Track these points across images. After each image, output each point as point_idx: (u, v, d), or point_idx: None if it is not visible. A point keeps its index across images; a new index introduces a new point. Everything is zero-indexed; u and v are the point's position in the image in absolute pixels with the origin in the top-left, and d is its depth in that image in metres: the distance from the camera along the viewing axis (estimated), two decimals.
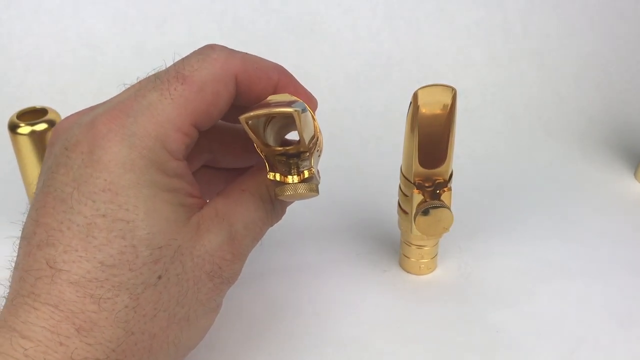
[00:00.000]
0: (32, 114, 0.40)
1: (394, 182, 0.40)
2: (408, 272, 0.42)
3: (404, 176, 0.38)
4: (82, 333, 0.26)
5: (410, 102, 0.35)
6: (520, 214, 0.46)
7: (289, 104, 0.29)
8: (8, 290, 0.29)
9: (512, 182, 0.50)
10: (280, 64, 0.33)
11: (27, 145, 0.40)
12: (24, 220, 0.30)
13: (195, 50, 0.31)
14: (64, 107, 0.45)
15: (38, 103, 0.42)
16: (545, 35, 0.62)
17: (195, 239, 0.29)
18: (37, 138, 0.40)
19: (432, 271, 0.42)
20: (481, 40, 0.62)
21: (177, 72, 0.29)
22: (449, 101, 0.35)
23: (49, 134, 0.40)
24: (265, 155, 0.30)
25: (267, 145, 0.30)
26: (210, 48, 0.31)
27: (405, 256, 0.41)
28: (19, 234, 0.45)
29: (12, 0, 0.62)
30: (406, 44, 0.62)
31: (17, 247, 0.29)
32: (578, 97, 0.59)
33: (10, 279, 0.29)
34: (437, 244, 0.41)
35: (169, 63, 0.31)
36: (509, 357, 0.36)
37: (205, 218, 0.30)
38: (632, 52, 0.61)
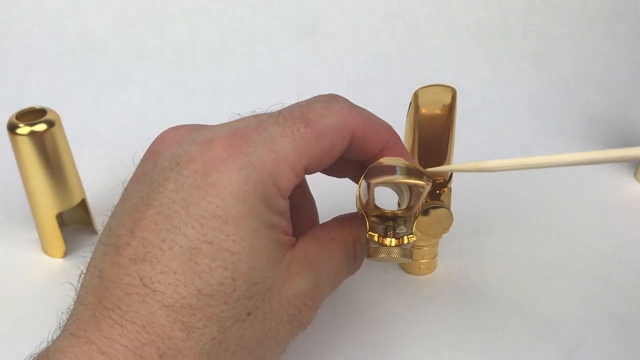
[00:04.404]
0: (32, 114, 0.40)
1: None
2: (408, 272, 0.42)
3: None
4: (165, 359, 0.26)
5: (410, 102, 0.35)
6: (520, 214, 0.46)
7: (409, 170, 0.30)
8: (80, 292, 0.28)
9: (511, 182, 0.50)
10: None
11: (26, 146, 0.40)
12: (107, 222, 0.29)
13: (319, 97, 0.31)
14: (63, 108, 0.45)
15: (38, 103, 0.42)
16: (545, 35, 0.62)
17: (285, 279, 0.29)
18: (37, 138, 0.39)
19: (432, 271, 0.42)
20: (481, 40, 0.62)
21: (301, 114, 0.29)
22: (448, 101, 0.35)
23: (49, 135, 0.40)
24: (366, 213, 0.31)
25: (377, 206, 0.30)
26: (334, 98, 0.31)
27: None
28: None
29: (12, 0, 0.62)
30: (406, 44, 0.62)
31: (96, 248, 0.29)
32: (578, 97, 0.59)
33: (83, 281, 0.28)
34: (437, 244, 0.41)
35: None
36: (509, 357, 0.36)
37: (296, 260, 0.30)
38: (632, 52, 0.61)
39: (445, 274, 0.42)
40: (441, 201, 0.36)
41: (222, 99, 0.59)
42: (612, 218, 0.46)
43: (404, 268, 0.42)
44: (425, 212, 0.36)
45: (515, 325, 0.38)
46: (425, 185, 0.29)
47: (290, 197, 0.30)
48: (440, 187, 0.37)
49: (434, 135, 0.35)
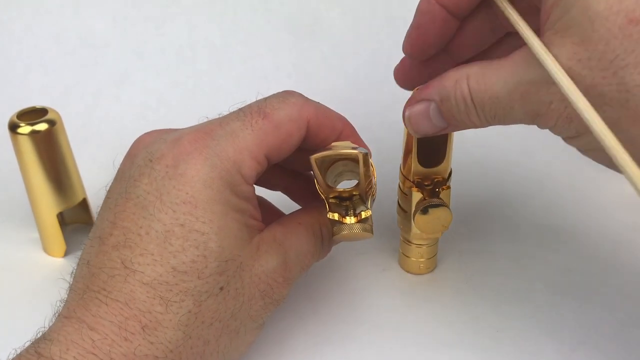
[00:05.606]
0: (33, 114, 0.40)
1: (394, 181, 0.40)
2: (408, 271, 0.42)
3: (403, 175, 0.38)
4: (147, 331, 0.28)
5: None
6: (520, 213, 0.46)
7: (352, 149, 0.33)
8: (72, 283, 0.31)
9: (512, 181, 0.50)
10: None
11: (27, 145, 0.40)
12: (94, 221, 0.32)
13: (276, 93, 0.34)
14: (64, 108, 0.45)
15: (38, 103, 0.42)
16: None
17: (254, 258, 0.32)
18: (38, 138, 0.40)
19: (431, 270, 0.42)
20: None
21: (259, 108, 0.32)
22: None
23: (49, 134, 0.40)
24: (325, 196, 0.33)
25: (329, 186, 0.33)
26: (290, 94, 0.34)
27: (405, 255, 0.41)
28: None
29: (12, 0, 0.62)
30: None
31: (85, 245, 0.32)
32: None
33: (74, 273, 0.31)
34: (436, 243, 0.41)
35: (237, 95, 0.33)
36: (509, 357, 0.36)
37: (264, 241, 0.32)
38: None
39: (445, 274, 0.42)
40: (440, 199, 0.36)
41: (222, 99, 0.59)
42: (611, 218, 0.46)
43: (404, 267, 0.42)
44: (424, 211, 0.36)
45: (515, 325, 0.38)
46: (358, 155, 0.31)
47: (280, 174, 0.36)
48: (439, 185, 0.37)
49: (434, 136, 0.35)
